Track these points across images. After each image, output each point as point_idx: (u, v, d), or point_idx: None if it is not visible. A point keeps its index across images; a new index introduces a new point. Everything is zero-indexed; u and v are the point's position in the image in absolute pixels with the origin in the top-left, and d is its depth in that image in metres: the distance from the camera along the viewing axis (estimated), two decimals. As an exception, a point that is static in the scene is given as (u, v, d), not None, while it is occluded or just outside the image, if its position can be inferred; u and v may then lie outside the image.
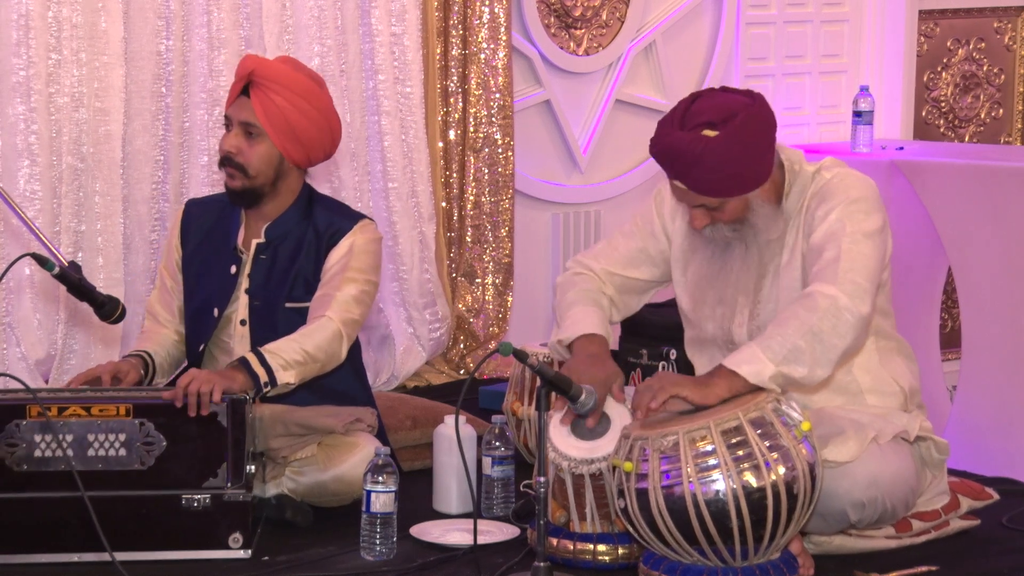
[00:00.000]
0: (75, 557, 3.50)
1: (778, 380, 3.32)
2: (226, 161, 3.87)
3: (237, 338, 3.92)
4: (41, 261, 3.70)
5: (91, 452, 3.52)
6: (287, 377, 3.70)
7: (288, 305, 3.89)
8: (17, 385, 3.55)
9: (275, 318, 3.87)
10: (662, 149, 3.47)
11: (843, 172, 3.55)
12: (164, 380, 3.98)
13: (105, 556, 3.37)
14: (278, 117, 3.84)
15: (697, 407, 3.33)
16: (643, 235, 3.75)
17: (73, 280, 3.73)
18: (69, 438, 3.50)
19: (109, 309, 3.77)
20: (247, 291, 3.93)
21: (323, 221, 3.93)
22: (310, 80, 3.91)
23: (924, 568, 3.49)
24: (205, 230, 4.01)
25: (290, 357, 3.71)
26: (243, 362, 3.68)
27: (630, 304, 3.80)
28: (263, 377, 3.67)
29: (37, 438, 3.51)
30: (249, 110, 3.84)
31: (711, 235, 3.57)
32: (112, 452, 3.52)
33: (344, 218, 3.96)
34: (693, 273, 3.67)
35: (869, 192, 3.51)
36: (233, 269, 3.94)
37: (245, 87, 3.85)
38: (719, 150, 3.41)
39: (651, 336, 4.47)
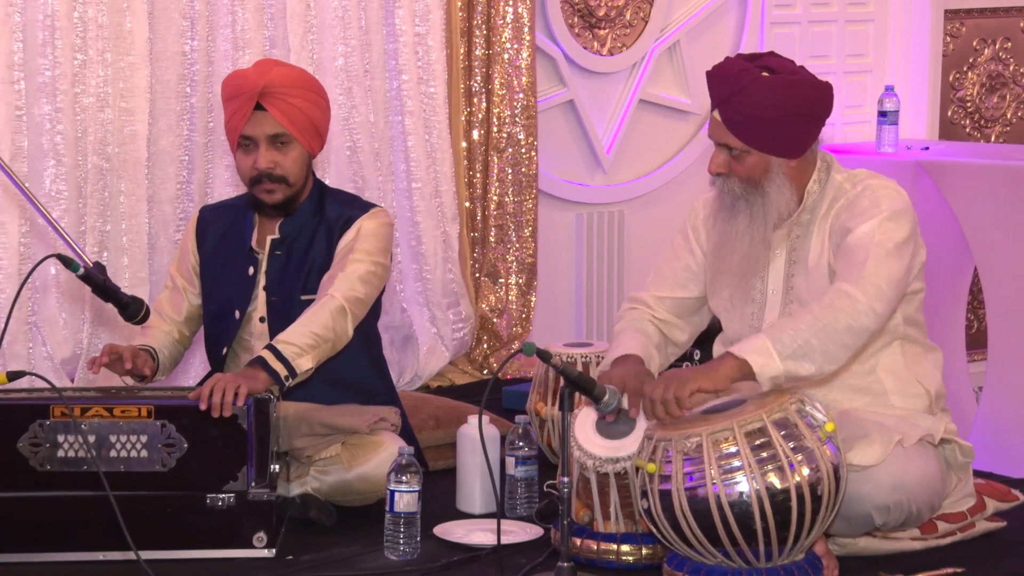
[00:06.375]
0: (100, 555, 3.51)
1: (779, 380, 3.33)
2: (264, 178, 3.87)
3: (257, 335, 3.94)
4: (66, 262, 3.71)
5: (112, 453, 3.52)
6: (305, 364, 3.71)
7: (304, 297, 3.90)
8: (41, 384, 3.56)
9: (293, 312, 3.88)
10: (717, 69, 3.54)
11: (876, 184, 3.55)
12: (164, 378, 4.00)
13: (130, 554, 3.38)
14: (301, 119, 3.86)
15: (717, 406, 3.33)
16: (683, 253, 3.77)
17: (98, 281, 3.75)
18: (91, 439, 3.51)
19: (133, 310, 3.79)
20: (264, 288, 3.95)
21: (334, 212, 3.95)
22: (305, 72, 3.97)
23: (950, 570, 3.48)
24: (219, 235, 4.02)
25: (302, 342, 3.72)
26: (260, 361, 3.69)
27: (695, 322, 3.82)
28: (282, 372, 3.68)
29: (60, 438, 3.52)
30: (273, 122, 3.85)
31: (721, 187, 3.58)
32: (133, 454, 3.52)
33: (355, 208, 3.98)
34: (710, 251, 3.69)
35: (902, 204, 3.51)
36: (251, 271, 3.96)
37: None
38: (765, 89, 3.46)
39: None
